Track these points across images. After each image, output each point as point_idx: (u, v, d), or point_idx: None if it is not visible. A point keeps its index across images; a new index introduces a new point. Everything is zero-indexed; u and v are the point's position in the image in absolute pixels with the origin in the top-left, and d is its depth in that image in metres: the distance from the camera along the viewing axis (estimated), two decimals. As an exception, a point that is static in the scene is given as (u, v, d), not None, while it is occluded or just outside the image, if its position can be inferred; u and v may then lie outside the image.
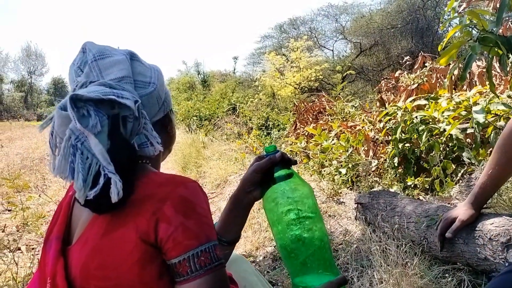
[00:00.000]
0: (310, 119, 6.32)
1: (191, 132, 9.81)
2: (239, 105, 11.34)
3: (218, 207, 3.91)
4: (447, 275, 1.70)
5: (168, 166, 6.84)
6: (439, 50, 2.53)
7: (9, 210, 4.41)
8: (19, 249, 3.21)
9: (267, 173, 1.04)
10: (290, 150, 5.06)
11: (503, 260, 1.47)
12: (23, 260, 2.80)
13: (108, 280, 0.75)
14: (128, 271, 0.75)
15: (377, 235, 2.20)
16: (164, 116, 0.98)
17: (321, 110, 6.34)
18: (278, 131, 7.92)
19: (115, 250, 0.76)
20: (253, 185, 1.05)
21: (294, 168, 1.08)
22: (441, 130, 2.96)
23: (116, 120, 0.79)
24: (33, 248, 3.25)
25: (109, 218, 0.78)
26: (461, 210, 1.64)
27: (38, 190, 5.15)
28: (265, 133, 8.23)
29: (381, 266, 1.95)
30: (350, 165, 3.66)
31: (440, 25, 13.67)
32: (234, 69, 23.54)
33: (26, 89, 43.01)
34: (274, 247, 2.67)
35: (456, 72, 3.60)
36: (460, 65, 3.38)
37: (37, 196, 4.66)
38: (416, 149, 3.16)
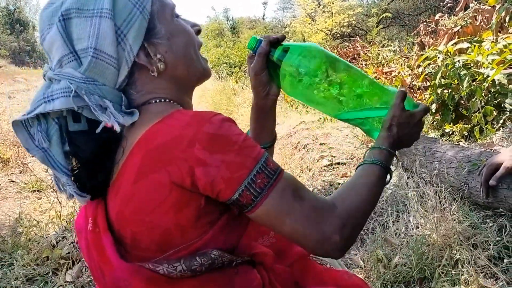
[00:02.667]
0: (343, 65, 6.15)
1: (221, 79, 9.75)
2: (269, 52, 11.11)
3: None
4: (488, 220, 1.67)
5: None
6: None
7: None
8: (61, 189, 3.35)
9: (268, 66, 0.96)
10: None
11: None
12: (65, 200, 2.93)
13: (143, 224, 0.74)
14: (163, 215, 0.72)
15: (414, 181, 2.17)
16: (139, 51, 0.78)
17: (355, 56, 6.15)
18: (309, 78, 7.76)
19: (148, 196, 0.72)
20: (265, 85, 0.99)
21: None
22: (485, 75, 2.82)
23: (63, 121, 0.77)
24: (74, 189, 3.38)
25: (138, 164, 0.73)
26: (506, 156, 1.58)
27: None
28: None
29: (417, 211, 1.94)
30: (385, 112, 3.57)
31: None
32: (264, 15, 23.00)
33: (57, 36, 43.37)
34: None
35: (504, 13, 3.37)
36: (509, 6, 3.17)
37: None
38: (455, 95, 3.04)
